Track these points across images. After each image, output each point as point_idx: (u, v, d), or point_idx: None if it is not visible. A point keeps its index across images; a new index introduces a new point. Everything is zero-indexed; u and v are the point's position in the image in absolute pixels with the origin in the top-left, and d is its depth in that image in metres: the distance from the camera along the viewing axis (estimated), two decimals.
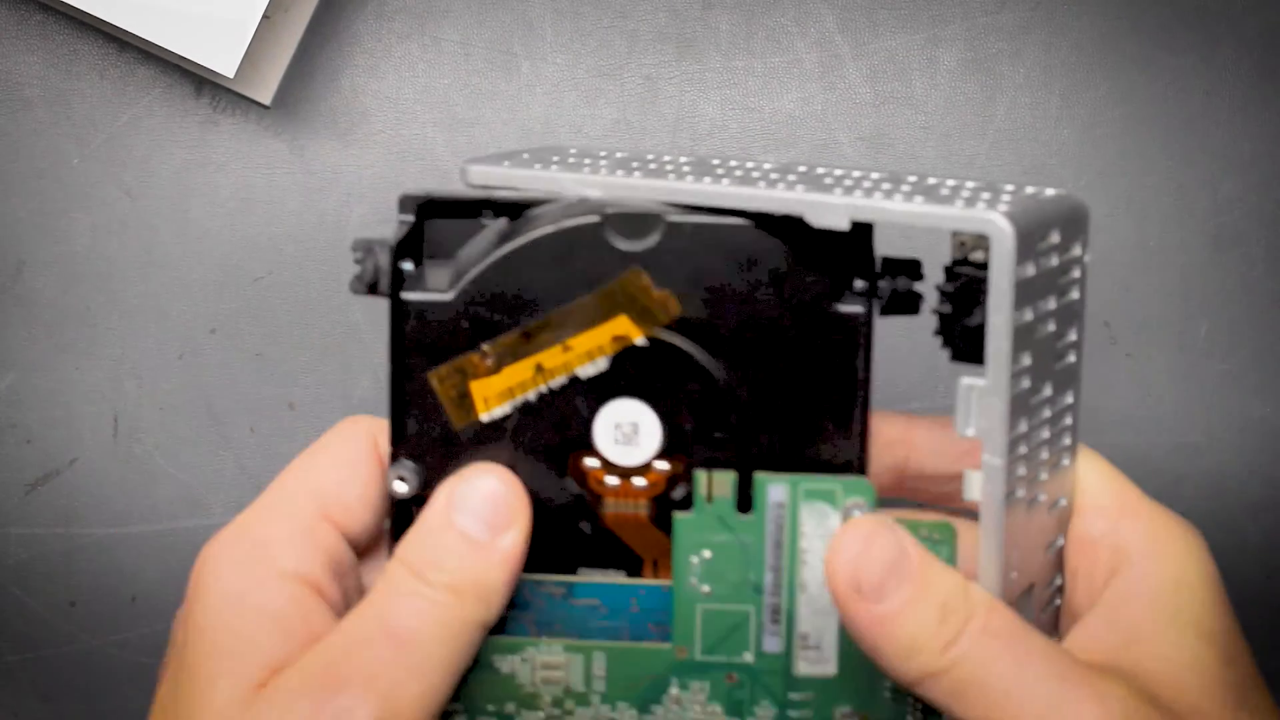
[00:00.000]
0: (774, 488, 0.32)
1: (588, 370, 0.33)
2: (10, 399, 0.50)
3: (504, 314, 0.33)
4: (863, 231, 0.32)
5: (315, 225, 0.49)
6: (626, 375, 0.33)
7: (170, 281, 0.50)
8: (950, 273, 0.32)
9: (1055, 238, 0.32)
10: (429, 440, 0.33)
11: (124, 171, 0.50)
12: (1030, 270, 0.31)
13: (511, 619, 0.33)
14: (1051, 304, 0.32)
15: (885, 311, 0.33)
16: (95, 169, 0.50)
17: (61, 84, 0.50)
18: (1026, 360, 0.31)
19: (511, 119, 0.50)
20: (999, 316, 0.30)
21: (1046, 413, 0.32)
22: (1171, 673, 0.31)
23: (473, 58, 0.50)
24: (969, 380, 0.31)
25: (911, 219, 0.31)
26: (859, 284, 0.33)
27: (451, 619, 0.31)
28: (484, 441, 0.33)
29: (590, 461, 0.33)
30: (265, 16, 0.46)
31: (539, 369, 0.33)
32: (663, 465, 0.33)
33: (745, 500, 0.32)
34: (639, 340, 0.32)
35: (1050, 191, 0.33)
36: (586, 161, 0.35)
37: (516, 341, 0.33)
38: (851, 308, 0.32)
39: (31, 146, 0.50)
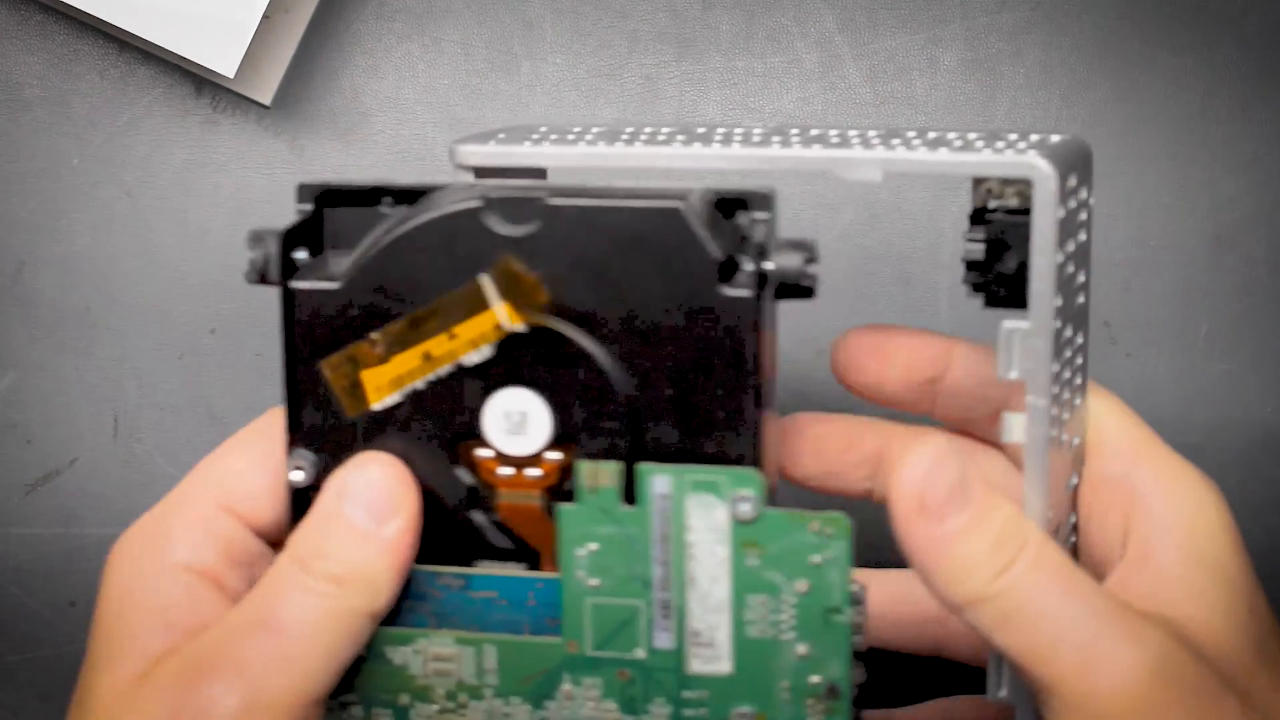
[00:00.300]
0: (658, 479, 0.31)
1: (473, 358, 0.32)
2: (10, 399, 0.50)
3: (393, 301, 0.32)
4: (756, 210, 0.32)
5: None
6: (514, 363, 0.32)
7: (170, 281, 0.50)
8: (976, 221, 0.32)
9: (1074, 180, 0.32)
10: (324, 430, 0.33)
11: (124, 171, 0.50)
12: (1061, 211, 0.31)
13: (410, 610, 0.33)
14: (1071, 246, 0.32)
15: (778, 295, 0.31)
16: (95, 169, 0.50)
17: (61, 84, 0.50)
18: (1058, 301, 0.31)
19: (511, 119, 0.50)
20: (1043, 259, 0.30)
21: (1068, 353, 0.33)
22: (1202, 618, 0.31)
23: (473, 58, 0.50)
24: (1011, 323, 0.31)
25: (948, 168, 0.31)
26: (749, 266, 0.31)
27: (332, 608, 0.31)
28: (378, 430, 0.33)
29: (483, 452, 0.33)
30: (265, 16, 0.46)
31: (427, 357, 0.32)
32: (554, 455, 0.32)
33: (633, 492, 0.32)
34: (518, 327, 0.32)
35: (1055, 137, 0.33)
36: (570, 137, 0.34)
37: (404, 329, 0.32)
38: (738, 291, 0.31)
39: (31, 146, 0.50)
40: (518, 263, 0.31)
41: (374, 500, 0.32)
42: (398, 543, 0.32)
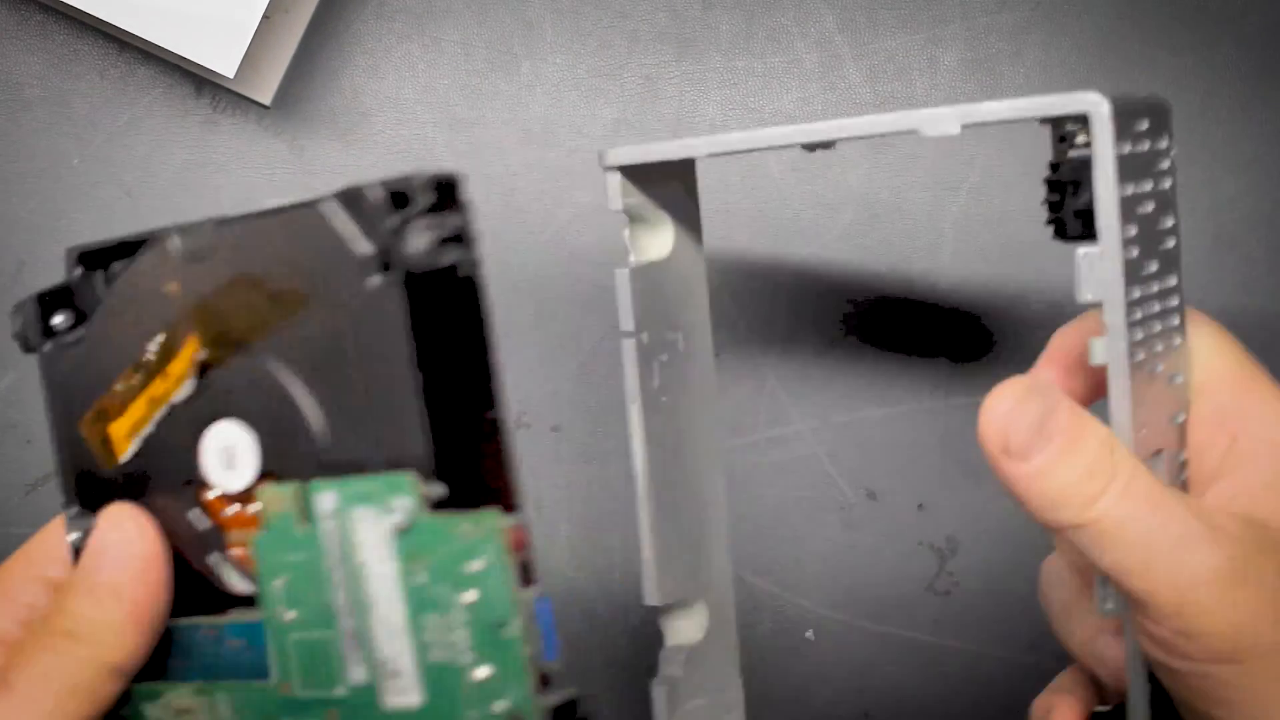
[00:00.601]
0: (322, 496, 0.29)
1: (179, 396, 0.31)
2: (10, 399, 0.50)
3: (126, 349, 0.32)
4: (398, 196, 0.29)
5: None
6: (215, 396, 0.31)
7: None
8: (1054, 168, 0.34)
9: (1144, 124, 0.34)
10: (92, 486, 0.33)
11: (124, 171, 0.50)
12: (1126, 148, 0.33)
13: (182, 666, 0.32)
14: (1147, 185, 0.34)
15: (420, 279, 0.28)
16: (95, 169, 0.50)
17: (61, 84, 0.50)
18: (1132, 230, 0.33)
19: (512, 119, 0.50)
20: (1104, 186, 0.32)
21: (1155, 288, 0.34)
22: None
23: (473, 58, 0.50)
24: (1085, 249, 0.32)
25: (1017, 114, 0.33)
26: (371, 250, 0.28)
27: (64, 663, 0.31)
28: (132, 482, 0.32)
29: (210, 492, 0.31)
30: (265, 16, 0.46)
31: (152, 401, 0.32)
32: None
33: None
34: (200, 355, 0.31)
35: (1139, 94, 0.34)
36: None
37: (131, 376, 0.32)
38: (379, 283, 0.28)
39: (31, 146, 0.50)
40: (176, 287, 0.31)
41: (111, 553, 0.32)
42: (135, 594, 0.31)
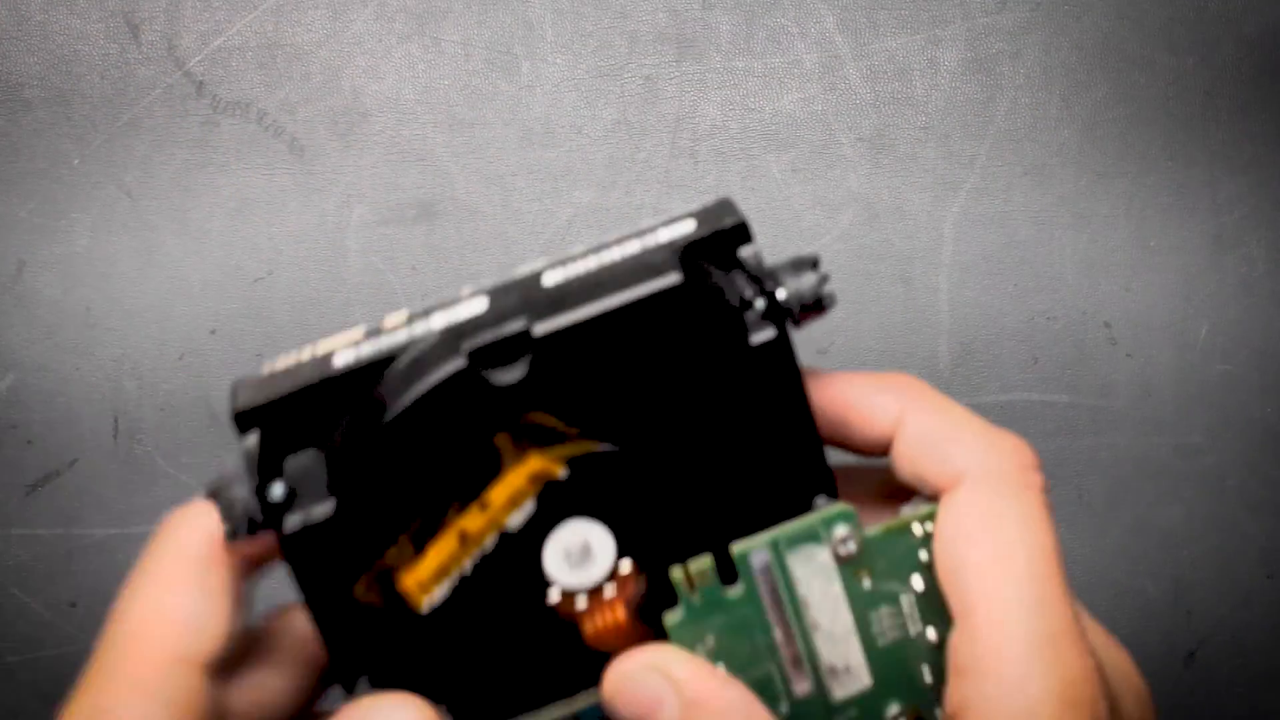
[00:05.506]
0: (756, 555, 0.30)
1: (517, 519, 0.30)
2: (10, 399, 0.50)
3: (400, 499, 0.29)
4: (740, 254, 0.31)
5: (315, 225, 0.49)
6: (556, 504, 0.30)
7: (170, 281, 0.50)
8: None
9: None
10: (385, 652, 0.31)
11: (124, 171, 0.50)
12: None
13: None
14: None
15: (799, 322, 0.30)
16: (95, 169, 0.50)
17: (61, 84, 0.50)
18: None
19: (512, 119, 0.50)
20: None
21: None
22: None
23: (473, 58, 0.50)
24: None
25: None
26: (759, 304, 0.30)
27: None
28: (440, 624, 0.30)
29: (553, 595, 0.31)
30: None
31: (464, 537, 0.30)
32: (626, 566, 0.31)
33: (727, 570, 0.31)
34: (561, 474, 0.30)
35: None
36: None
37: (425, 520, 0.30)
38: (763, 335, 0.30)
39: (31, 146, 0.50)
40: (538, 415, 0.29)
41: None
42: None
